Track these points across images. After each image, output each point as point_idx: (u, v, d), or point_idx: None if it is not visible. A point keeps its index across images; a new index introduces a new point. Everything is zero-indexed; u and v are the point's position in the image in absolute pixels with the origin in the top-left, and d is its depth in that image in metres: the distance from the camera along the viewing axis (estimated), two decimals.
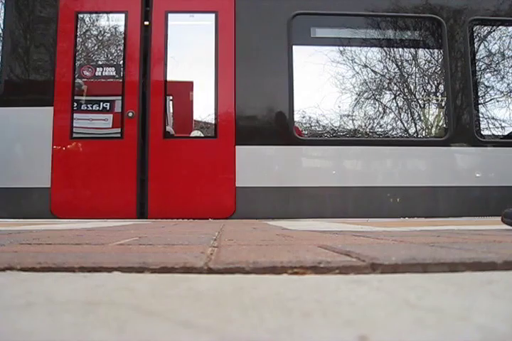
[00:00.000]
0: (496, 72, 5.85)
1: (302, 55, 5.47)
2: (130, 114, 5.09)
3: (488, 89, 5.83)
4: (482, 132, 5.68)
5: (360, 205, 5.33)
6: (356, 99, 5.69)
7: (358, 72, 5.70)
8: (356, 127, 5.66)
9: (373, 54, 5.73)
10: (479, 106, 5.78)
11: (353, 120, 5.67)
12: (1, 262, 0.87)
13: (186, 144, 5.30)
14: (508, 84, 5.82)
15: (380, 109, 5.70)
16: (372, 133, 5.69)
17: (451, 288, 0.69)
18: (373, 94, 5.74)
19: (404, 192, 5.37)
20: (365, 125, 5.70)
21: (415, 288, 0.68)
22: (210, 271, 0.83)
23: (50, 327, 0.47)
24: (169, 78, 5.26)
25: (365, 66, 5.69)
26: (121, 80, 5.20)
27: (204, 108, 5.34)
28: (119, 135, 5.13)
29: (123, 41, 5.30)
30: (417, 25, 5.79)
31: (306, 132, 5.67)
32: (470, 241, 1.40)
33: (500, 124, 5.80)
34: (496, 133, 5.82)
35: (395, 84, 5.79)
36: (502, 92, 5.82)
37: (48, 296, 0.63)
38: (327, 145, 5.45)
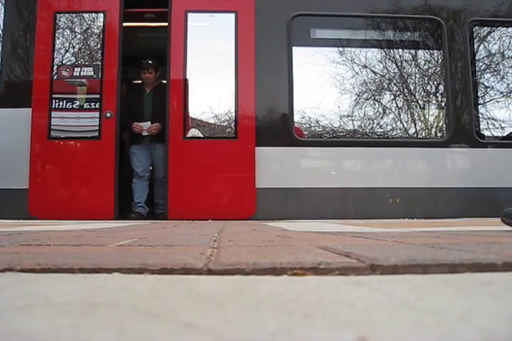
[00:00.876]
0: (495, 73, 5.86)
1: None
2: (108, 115, 5.10)
3: (488, 90, 5.84)
4: (482, 133, 5.68)
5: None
6: (357, 99, 5.70)
7: (358, 73, 5.70)
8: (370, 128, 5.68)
9: (373, 55, 5.73)
10: (479, 106, 5.78)
11: (352, 120, 5.67)
12: (0, 263, 0.87)
13: (206, 145, 5.29)
14: (508, 85, 5.82)
15: (380, 110, 5.70)
16: (372, 134, 5.69)
17: (451, 289, 0.69)
18: (373, 95, 5.74)
19: (403, 193, 5.37)
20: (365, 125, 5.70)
21: (415, 289, 0.68)
22: (210, 272, 0.83)
23: (49, 328, 0.47)
24: (189, 78, 5.25)
25: (365, 67, 5.69)
26: (99, 80, 5.19)
27: (224, 108, 5.32)
28: (96, 134, 5.13)
29: (101, 41, 5.29)
30: (416, 26, 5.80)
31: (306, 132, 5.68)
32: (470, 242, 1.40)
33: (500, 125, 5.80)
34: (495, 134, 5.82)
35: (395, 85, 5.79)
36: (502, 93, 5.82)
37: (48, 297, 0.63)
38: (331, 147, 5.46)
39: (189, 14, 5.33)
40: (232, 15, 5.33)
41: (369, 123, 5.70)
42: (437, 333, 0.46)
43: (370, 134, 5.68)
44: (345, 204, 5.40)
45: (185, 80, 5.25)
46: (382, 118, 5.71)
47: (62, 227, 2.81)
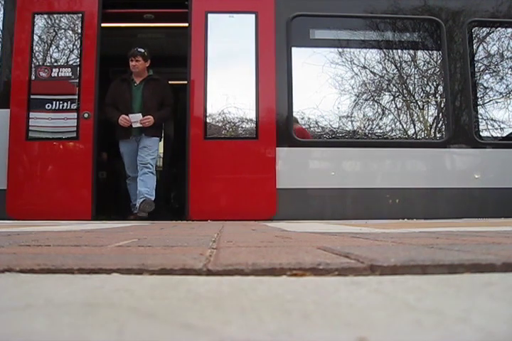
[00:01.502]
0: (494, 74, 5.86)
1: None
2: (86, 115, 5.11)
3: (487, 91, 5.84)
4: (481, 133, 5.69)
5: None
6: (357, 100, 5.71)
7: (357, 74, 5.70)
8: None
9: (372, 55, 5.73)
10: (478, 107, 5.78)
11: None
12: (0, 264, 0.87)
13: (227, 145, 5.31)
14: (507, 86, 5.82)
15: (380, 111, 5.71)
16: (371, 135, 5.70)
17: (450, 290, 0.69)
18: (372, 96, 5.74)
19: (403, 193, 5.38)
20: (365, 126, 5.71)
21: (414, 290, 0.68)
22: (209, 272, 0.83)
23: (49, 328, 0.47)
24: (209, 78, 5.24)
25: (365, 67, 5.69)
26: (77, 81, 5.19)
27: (245, 108, 5.31)
28: (74, 135, 5.14)
29: (79, 42, 5.29)
30: (415, 27, 5.80)
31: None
32: (469, 242, 1.40)
33: (499, 126, 5.80)
34: (494, 135, 5.82)
35: (394, 85, 5.79)
36: (501, 94, 5.83)
37: (47, 298, 0.63)
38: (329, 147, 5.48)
39: (209, 15, 5.33)
40: (253, 16, 5.34)
41: (369, 124, 5.71)
42: (437, 333, 0.46)
43: (370, 135, 5.69)
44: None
45: (206, 81, 5.24)
46: (381, 119, 5.71)
47: (61, 228, 2.81)
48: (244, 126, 5.38)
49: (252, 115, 5.28)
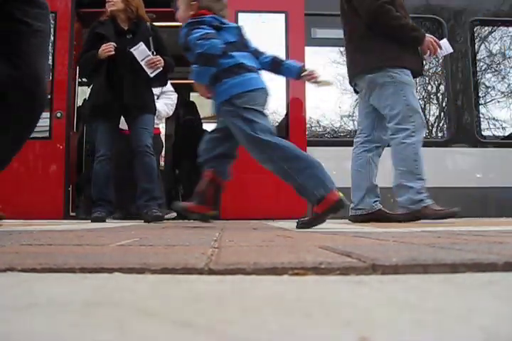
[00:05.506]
0: (496, 73, 5.86)
1: None
2: (58, 115, 5.13)
3: (489, 90, 5.83)
4: (483, 133, 5.68)
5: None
6: None
7: None
8: None
9: None
10: (480, 106, 5.77)
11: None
12: (1, 263, 0.87)
13: None
14: (509, 85, 5.82)
15: None
16: None
17: (452, 289, 0.69)
18: None
19: None
20: None
21: (416, 289, 0.68)
22: (211, 271, 0.83)
23: (50, 328, 0.48)
24: None
25: None
26: (49, 80, 5.17)
27: (275, 108, 5.30)
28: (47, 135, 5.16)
29: (52, 41, 5.25)
30: (417, 26, 5.79)
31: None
32: (470, 242, 1.40)
33: (501, 125, 5.80)
34: (497, 134, 5.81)
35: None
36: (503, 93, 5.82)
37: (49, 297, 0.63)
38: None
39: (240, 14, 5.33)
40: (282, 16, 5.35)
41: None
42: (438, 333, 0.46)
43: None
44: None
45: None
46: None
47: (62, 227, 2.82)
48: (274, 125, 5.40)
49: (283, 115, 5.29)
